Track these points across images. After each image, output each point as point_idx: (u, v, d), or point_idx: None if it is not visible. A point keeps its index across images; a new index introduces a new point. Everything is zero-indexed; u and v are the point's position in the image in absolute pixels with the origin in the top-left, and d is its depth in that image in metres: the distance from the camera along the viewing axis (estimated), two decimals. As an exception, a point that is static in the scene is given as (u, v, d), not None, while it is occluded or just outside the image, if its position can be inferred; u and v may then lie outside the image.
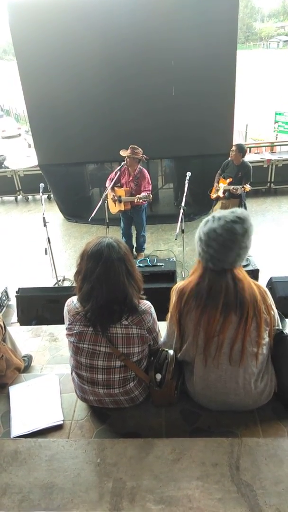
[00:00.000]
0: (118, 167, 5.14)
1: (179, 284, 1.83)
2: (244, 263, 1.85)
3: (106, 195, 5.05)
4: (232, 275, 1.70)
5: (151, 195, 5.08)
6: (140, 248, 5.81)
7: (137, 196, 4.98)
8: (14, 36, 5.89)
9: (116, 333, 1.79)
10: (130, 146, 5.03)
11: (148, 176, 5.21)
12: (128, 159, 5.02)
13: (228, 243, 1.62)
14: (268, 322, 1.75)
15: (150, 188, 5.17)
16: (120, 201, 5.19)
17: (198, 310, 1.73)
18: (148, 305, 1.87)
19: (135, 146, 5.03)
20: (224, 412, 1.94)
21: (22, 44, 5.92)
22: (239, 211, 1.68)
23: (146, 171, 5.22)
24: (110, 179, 5.21)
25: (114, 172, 5.19)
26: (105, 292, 1.72)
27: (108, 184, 5.14)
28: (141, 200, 4.96)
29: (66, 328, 1.88)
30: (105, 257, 1.71)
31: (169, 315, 1.88)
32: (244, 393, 1.81)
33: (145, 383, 1.94)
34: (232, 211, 1.68)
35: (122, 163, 5.08)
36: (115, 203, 5.26)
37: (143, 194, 5.00)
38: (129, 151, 5.00)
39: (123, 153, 5.03)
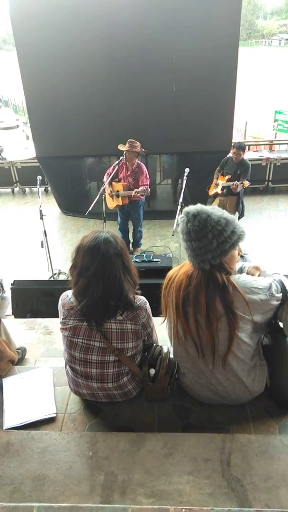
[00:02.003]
0: (116, 162, 5.12)
1: (172, 270, 1.88)
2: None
3: (104, 189, 5.04)
4: (211, 277, 1.66)
5: (149, 189, 5.08)
6: (136, 244, 5.81)
7: (135, 190, 4.98)
8: (14, 26, 5.82)
9: (110, 328, 1.79)
10: (128, 140, 5.01)
11: (146, 171, 5.20)
12: (126, 153, 5.01)
13: (188, 238, 1.65)
14: (248, 319, 1.70)
15: (148, 183, 5.17)
16: (117, 196, 5.18)
17: (173, 296, 1.75)
18: (143, 300, 1.87)
19: (133, 140, 5.02)
20: (216, 408, 1.95)
21: (22, 34, 5.85)
22: (193, 210, 1.65)
23: (144, 166, 5.21)
24: (107, 174, 5.20)
25: (111, 167, 5.17)
26: (101, 288, 1.71)
27: (106, 179, 5.13)
28: (138, 194, 4.95)
29: (60, 322, 1.88)
30: (102, 253, 1.70)
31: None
32: (231, 385, 1.82)
33: (139, 378, 1.94)
34: (190, 210, 1.67)
35: (121, 158, 5.07)
36: (112, 198, 5.25)
37: (141, 188, 5.00)
38: (127, 145, 4.99)
39: (122, 147, 5.01)
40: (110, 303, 1.76)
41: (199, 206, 1.66)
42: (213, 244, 1.61)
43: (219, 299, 1.66)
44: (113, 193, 5.17)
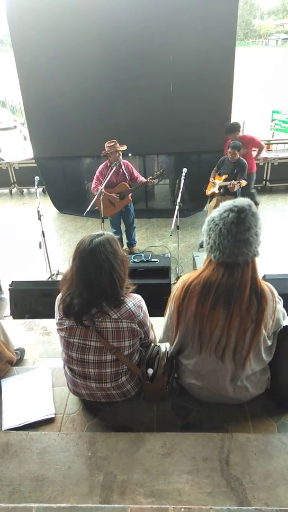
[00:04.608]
0: (101, 168, 5.08)
1: (186, 275, 1.82)
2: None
3: (102, 189, 5.00)
4: (251, 269, 1.65)
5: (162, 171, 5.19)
6: (133, 242, 5.78)
7: (149, 177, 5.07)
8: (11, 27, 5.81)
9: (106, 327, 1.79)
10: (109, 143, 4.93)
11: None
12: (110, 155, 4.96)
13: (224, 232, 1.59)
14: (269, 327, 1.73)
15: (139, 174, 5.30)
16: (123, 197, 5.15)
17: (198, 301, 1.71)
18: (138, 298, 1.87)
19: (112, 140, 4.96)
20: (215, 407, 1.95)
21: (19, 35, 5.84)
22: (238, 200, 1.63)
23: (125, 161, 5.21)
24: (98, 180, 5.09)
25: (98, 173, 5.10)
26: (78, 285, 1.76)
27: (99, 185, 4.95)
28: (154, 180, 5.10)
29: (56, 323, 1.89)
30: (80, 253, 1.73)
31: (169, 303, 1.88)
32: (232, 389, 1.82)
33: (138, 377, 1.95)
34: (233, 200, 1.65)
35: (113, 165, 4.94)
36: (114, 205, 5.21)
37: (146, 179, 5.09)
38: (108, 148, 4.93)
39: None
40: (91, 303, 1.77)
41: (241, 198, 1.66)
42: (259, 233, 1.62)
43: (255, 301, 1.65)
44: (117, 197, 5.14)
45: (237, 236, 1.58)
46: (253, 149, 6.28)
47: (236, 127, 5.79)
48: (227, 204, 1.65)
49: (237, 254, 1.60)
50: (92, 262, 1.71)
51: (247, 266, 1.64)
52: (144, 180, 5.11)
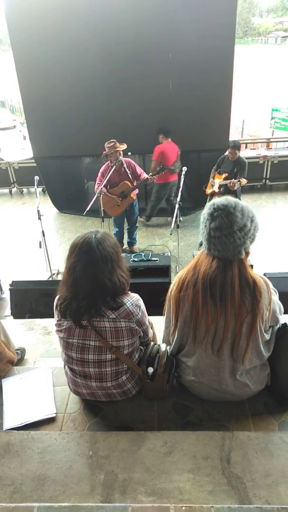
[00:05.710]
0: (102, 170, 5.06)
1: (183, 269, 1.85)
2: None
3: (101, 188, 4.99)
4: (238, 267, 1.67)
5: (161, 166, 5.13)
6: (134, 241, 5.79)
7: (150, 173, 5.03)
8: (10, 26, 5.80)
9: (104, 327, 1.79)
10: (109, 143, 4.90)
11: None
12: (111, 156, 4.94)
13: (203, 226, 1.69)
14: (266, 318, 1.75)
15: (143, 170, 5.24)
16: (125, 196, 5.15)
17: (194, 292, 1.73)
18: (136, 297, 1.86)
19: (112, 140, 4.93)
20: (216, 405, 1.96)
21: (18, 34, 5.83)
22: (221, 199, 1.68)
23: (127, 158, 5.20)
24: (99, 182, 5.06)
25: (100, 175, 5.08)
26: (72, 285, 1.75)
27: (100, 184, 4.95)
28: (154, 176, 5.05)
29: (55, 324, 1.89)
30: (76, 252, 1.73)
31: (167, 299, 1.90)
32: (232, 383, 1.83)
33: (138, 376, 1.95)
34: (223, 198, 1.69)
35: (113, 164, 4.92)
36: (118, 204, 5.21)
37: (145, 176, 5.05)
38: (108, 149, 4.91)
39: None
40: (85, 303, 1.76)
41: (226, 197, 1.69)
42: (251, 230, 1.66)
43: (248, 293, 1.68)
44: (120, 197, 5.13)
45: (210, 233, 1.65)
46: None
47: (169, 131, 5.67)
48: (212, 200, 1.71)
49: (214, 249, 1.67)
50: (92, 259, 1.70)
51: (230, 263, 1.67)
52: (146, 176, 5.09)
